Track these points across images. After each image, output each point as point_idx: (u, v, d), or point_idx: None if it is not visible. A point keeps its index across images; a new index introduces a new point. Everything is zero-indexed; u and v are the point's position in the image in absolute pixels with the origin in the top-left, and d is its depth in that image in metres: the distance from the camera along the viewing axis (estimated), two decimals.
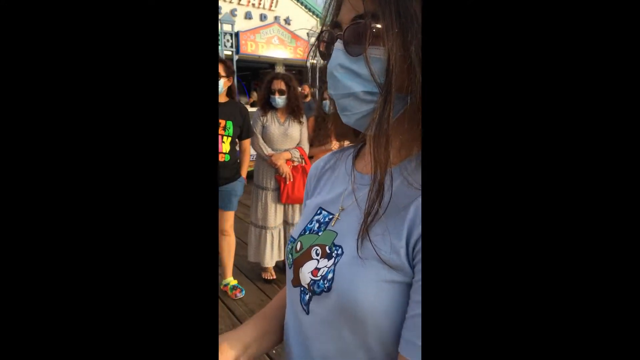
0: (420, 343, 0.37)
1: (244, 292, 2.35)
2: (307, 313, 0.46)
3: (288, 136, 2.37)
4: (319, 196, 0.54)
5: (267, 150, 2.35)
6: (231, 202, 2.20)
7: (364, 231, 0.42)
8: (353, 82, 0.41)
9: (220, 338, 0.51)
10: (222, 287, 2.37)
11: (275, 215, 2.44)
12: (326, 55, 0.45)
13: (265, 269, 2.53)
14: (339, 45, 0.42)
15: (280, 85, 2.30)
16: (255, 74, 9.40)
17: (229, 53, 7.60)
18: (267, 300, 2.31)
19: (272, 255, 2.47)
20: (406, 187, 0.43)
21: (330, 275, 0.43)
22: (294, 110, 2.36)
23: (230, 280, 2.38)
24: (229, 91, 2.13)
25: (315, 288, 0.45)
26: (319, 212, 0.51)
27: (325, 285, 0.43)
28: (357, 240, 0.42)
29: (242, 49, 7.90)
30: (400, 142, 0.45)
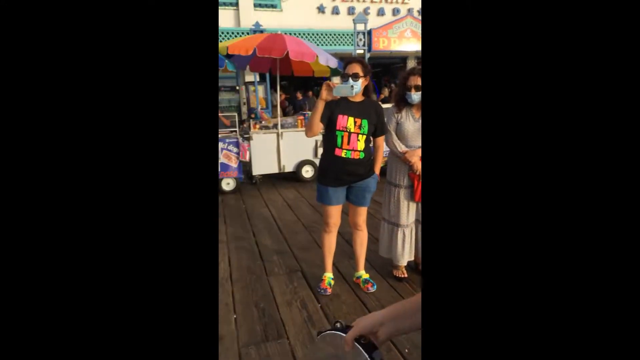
0: None
1: (375, 286, 2.39)
2: None
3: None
4: None
5: (401, 147, 2.33)
6: (365, 198, 2.26)
7: None
8: None
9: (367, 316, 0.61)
10: (354, 279, 2.47)
11: (407, 213, 2.40)
12: None
13: (397, 267, 2.52)
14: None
15: (416, 81, 2.24)
16: (386, 70, 9.33)
17: (361, 52, 7.74)
18: (399, 297, 2.30)
19: (403, 253, 2.44)
20: None
21: None
22: None
23: (363, 273, 2.45)
24: (365, 90, 2.19)
25: None
26: None
27: None
28: None
29: (374, 46, 7.95)
30: None
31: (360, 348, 0.59)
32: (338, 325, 0.66)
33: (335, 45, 8.82)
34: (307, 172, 5.18)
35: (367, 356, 0.58)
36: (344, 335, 0.61)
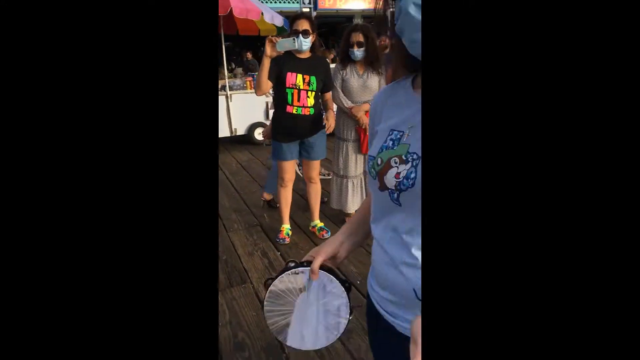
0: None
1: (329, 233, 2.62)
2: (400, 205, 0.61)
3: (367, 88, 2.45)
4: (389, 121, 0.67)
5: (347, 103, 2.47)
6: (316, 152, 2.42)
7: None
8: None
9: (325, 242, 0.71)
10: (310, 228, 2.67)
11: (356, 165, 2.60)
12: None
13: (348, 215, 2.76)
14: None
15: (358, 37, 2.35)
16: (333, 29, 9.24)
17: (307, 10, 7.60)
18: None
19: (353, 202, 2.67)
20: None
21: (412, 175, 0.58)
22: (372, 62, 2.41)
23: (318, 222, 2.65)
24: (312, 46, 2.27)
25: (401, 187, 0.59)
26: (390, 133, 0.64)
27: (410, 183, 0.58)
28: None
29: (320, 4, 7.82)
30: None
31: (328, 274, 0.66)
32: (292, 264, 0.68)
33: (280, 2, 8.52)
34: (260, 134, 5.22)
35: (336, 279, 0.65)
36: (307, 268, 0.66)
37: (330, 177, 2.80)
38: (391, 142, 0.64)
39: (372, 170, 0.65)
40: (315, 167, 2.50)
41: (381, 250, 0.66)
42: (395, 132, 0.64)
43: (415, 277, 0.60)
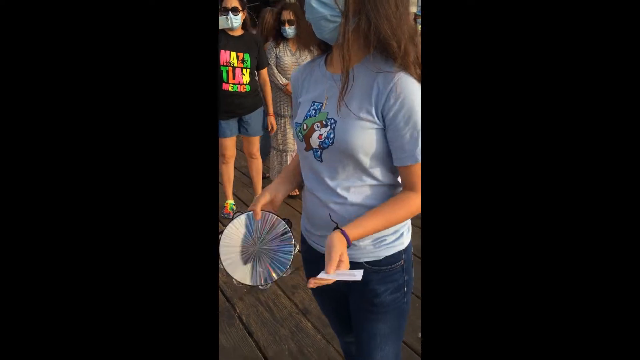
0: (405, 155, 0.71)
1: None
2: (321, 161, 0.78)
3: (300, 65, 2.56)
4: (309, 94, 0.82)
5: (282, 80, 2.57)
6: (255, 128, 2.51)
7: (341, 100, 0.72)
8: (324, 8, 0.68)
9: (263, 190, 0.85)
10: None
11: (293, 139, 2.73)
12: None
13: None
14: None
15: (289, 15, 2.43)
16: (266, 4, 9.00)
17: None
18: (294, 211, 2.72)
19: None
20: (369, 74, 0.72)
21: (331, 135, 0.74)
22: (306, 46, 2.50)
23: None
24: (244, 24, 2.31)
25: (324, 145, 0.76)
26: (312, 104, 0.80)
27: (330, 141, 0.74)
28: (337, 108, 0.73)
29: None
30: (357, 47, 0.72)
31: (270, 212, 0.80)
32: (237, 214, 0.81)
33: None
34: None
35: (276, 216, 0.79)
36: (250, 212, 0.79)
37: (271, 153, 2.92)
38: (313, 112, 0.80)
39: (300, 134, 0.81)
40: (255, 142, 2.59)
41: (313, 197, 0.82)
42: (316, 103, 0.80)
43: (341, 210, 0.78)
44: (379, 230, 0.75)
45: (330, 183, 0.78)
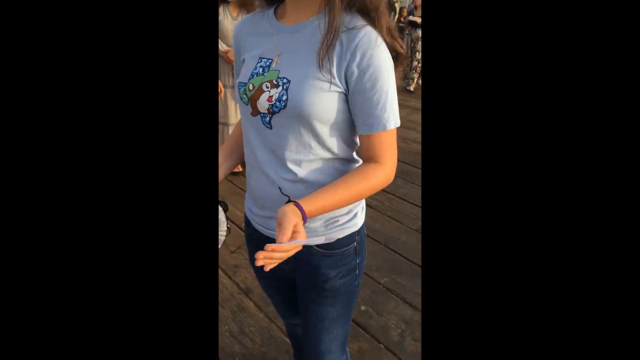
0: (372, 121, 0.63)
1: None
2: (271, 128, 0.66)
3: None
4: (255, 50, 0.70)
5: (223, 47, 2.38)
6: None
7: (324, 54, 0.60)
8: None
9: None
10: None
11: (235, 111, 2.58)
12: None
13: None
14: None
15: None
16: None
17: None
18: (236, 189, 2.60)
19: None
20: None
21: (284, 97, 0.63)
22: (245, 3, 2.34)
23: None
24: None
25: (274, 109, 0.64)
26: (259, 61, 0.68)
27: (282, 104, 0.64)
28: (318, 62, 0.61)
29: None
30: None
31: None
32: None
33: None
34: None
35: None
36: None
37: None
38: (261, 69, 0.68)
39: (244, 96, 0.69)
40: None
41: (261, 174, 0.72)
42: (264, 60, 0.68)
43: (293, 189, 0.69)
44: (338, 207, 0.65)
45: (280, 155, 0.68)
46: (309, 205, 0.61)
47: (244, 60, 0.74)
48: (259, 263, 0.53)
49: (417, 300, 1.64)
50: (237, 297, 1.68)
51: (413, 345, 1.42)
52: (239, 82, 0.72)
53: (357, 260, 0.78)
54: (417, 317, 1.56)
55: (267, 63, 0.67)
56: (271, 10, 0.72)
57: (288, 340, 1.39)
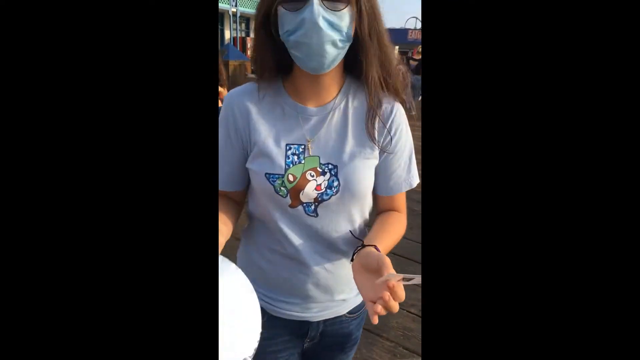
0: (401, 181, 0.67)
1: None
2: (317, 216, 0.64)
3: None
4: (276, 135, 0.64)
5: None
6: None
7: (373, 129, 0.62)
8: (333, 31, 0.55)
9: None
10: None
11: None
12: (294, 9, 0.55)
13: None
14: (316, 1, 0.52)
15: None
16: None
17: None
18: None
19: None
20: (362, 107, 0.65)
21: (335, 183, 0.62)
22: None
23: None
24: None
25: (324, 197, 0.62)
26: (288, 148, 0.63)
27: (333, 191, 0.62)
28: (370, 137, 0.63)
29: None
30: (340, 76, 0.65)
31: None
32: None
33: None
34: None
35: None
36: None
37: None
38: (295, 158, 0.63)
39: (283, 189, 0.62)
40: None
41: (295, 262, 0.67)
42: (295, 147, 0.63)
43: (332, 264, 0.68)
44: (388, 251, 0.63)
45: (327, 239, 0.66)
46: (381, 246, 0.59)
47: (256, 145, 0.65)
48: (392, 306, 0.46)
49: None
50: None
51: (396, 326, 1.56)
52: (267, 173, 0.63)
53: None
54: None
55: (300, 150, 0.63)
56: (281, 87, 0.66)
57: None
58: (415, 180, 0.71)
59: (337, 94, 0.66)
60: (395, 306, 0.47)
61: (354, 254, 0.59)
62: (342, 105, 0.66)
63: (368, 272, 0.54)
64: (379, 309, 0.46)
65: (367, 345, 1.55)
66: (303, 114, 0.65)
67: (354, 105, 0.66)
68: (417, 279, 0.44)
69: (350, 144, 0.64)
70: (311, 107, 0.65)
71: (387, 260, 0.51)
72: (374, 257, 0.53)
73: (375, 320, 0.47)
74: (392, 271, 0.48)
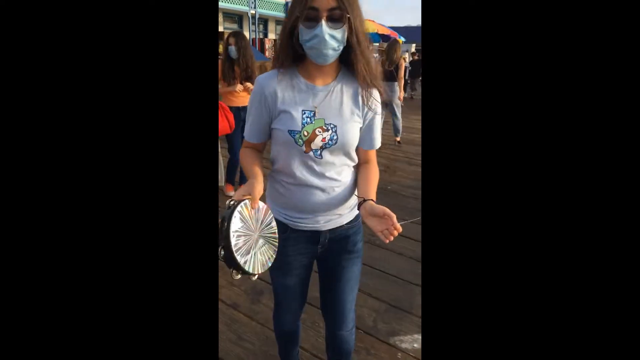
0: (375, 141, 1.07)
1: None
2: (321, 158, 0.98)
3: None
4: (294, 104, 0.96)
5: None
6: None
7: (364, 100, 0.98)
8: (335, 42, 0.89)
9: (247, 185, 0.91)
10: None
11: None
12: (308, 25, 0.87)
13: None
14: (323, 21, 0.85)
15: None
16: None
17: None
18: None
19: None
20: (353, 87, 0.99)
21: (334, 137, 0.96)
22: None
23: None
24: None
25: (327, 146, 0.97)
26: (303, 112, 0.96)
27: (333, 142, 0.96)
28: (362, 105, 0.99)
29: None
30: (336, 65, 1.00)
31: (264, 203, 0.89)
32: (232, 202, 0.82)
33: None
34: None
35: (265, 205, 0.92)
36: (246, 201, 0.86)
37: None
38: (308, 119, 0.96)
39: (300, 140, 0.95)
40: None
41: (310, 188, 1.00)
42: (308, 112, 0.96)
43: (338, 189, 1.03)
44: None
45: (327, 173, 1.01)
46: (373, 198, 0.96)
47: (282, 111, 0.97)
48: (393, 235, 0.83)
49: (383, 295, 1.99)
50: (226, 312, 1.86)
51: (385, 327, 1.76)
52: (290, 130, 0.96)
53: (362, 228, 1.16)
54: (385, 307, 1.92)
55: (311, 114, 0.96)
56: (295, 71, 0.98)
57: None
58: (379, 141, 1.08)
59: (336, 77, 1.00)
60: (397, 228, 0.83)
61: (359, 206, 0.94)
62: (339, 85, 1.00)
63: (375, 216, 0.89)
64: (387, 233, 0.84)
65: (397, 320, 1.85)
66: (313, 90, 0.98)
67: (347, 85, 1.01)
68: (408, 221, 0.87)
69: (344, 111, 0.99)
70: (318, 86, 0.98)
71: (388, 211, 0.87)
72: (378, 208, 0.89)
73: (390, 239, 0.84)
74: (393, 215, 0.84)
